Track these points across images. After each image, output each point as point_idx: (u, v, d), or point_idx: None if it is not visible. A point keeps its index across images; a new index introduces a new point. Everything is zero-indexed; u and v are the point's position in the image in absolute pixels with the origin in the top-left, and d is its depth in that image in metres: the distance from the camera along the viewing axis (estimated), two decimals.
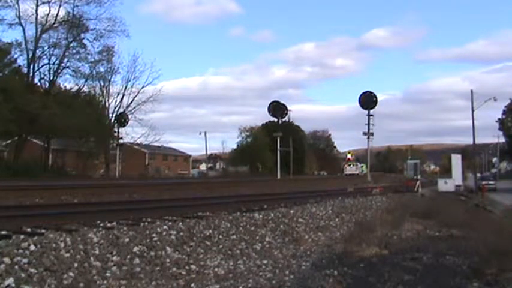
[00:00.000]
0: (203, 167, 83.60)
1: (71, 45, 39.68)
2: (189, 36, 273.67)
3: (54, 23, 38.66)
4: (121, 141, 45.58)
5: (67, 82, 45.74)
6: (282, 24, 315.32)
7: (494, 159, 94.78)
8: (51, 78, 39.94)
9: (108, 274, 5.73)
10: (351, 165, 73.72)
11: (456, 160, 34.36)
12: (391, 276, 6.36)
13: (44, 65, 39.38)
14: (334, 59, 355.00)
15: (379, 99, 46.16)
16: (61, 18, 38.96)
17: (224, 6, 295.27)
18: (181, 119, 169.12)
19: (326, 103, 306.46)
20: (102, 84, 44.72)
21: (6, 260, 5.24)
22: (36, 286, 5.00)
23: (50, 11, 38.24)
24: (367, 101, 44.44)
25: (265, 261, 7.34)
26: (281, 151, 51.19)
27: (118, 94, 46.02)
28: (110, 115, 46.00)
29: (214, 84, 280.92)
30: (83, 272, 5.58)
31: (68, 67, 40.41)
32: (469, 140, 42.51)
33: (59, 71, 39.91)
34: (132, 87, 45.94)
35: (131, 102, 45.78)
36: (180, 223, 8.40)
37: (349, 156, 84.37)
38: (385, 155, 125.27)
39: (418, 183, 27.97)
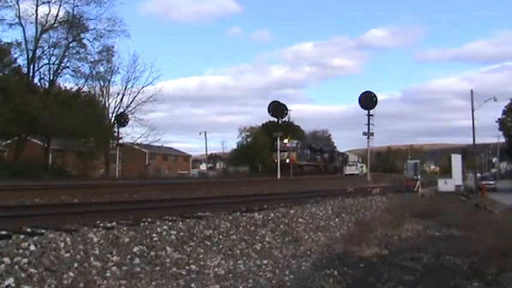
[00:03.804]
0: (203, 167, 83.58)
1: (71, 45, 39.68)
2: (187, 35, 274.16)
3: (54, 23, 38.65)
4: (121, 141, 45.52)
5: (67, 82, 45.72)
6: (280, 23, 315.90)
7: (494, 159, 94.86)
8: (51, 78, 39.94)
9: (108, 274, 5.74)
10: (352, 165, 73.34)
11: (456, 160, 34.36)
12: (391, 276, 6.36)
13: (44, 65, 39.39)
14: (333, 58, 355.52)
15: (378, 99, 46.08)
16: (61, 18, 38.95)
17: (222, 5, 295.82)
18: (181, 119, 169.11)
19: (326, 103, 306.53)
20: (102, 84, 44.67)
21: (6, 260, 5.25)
22: (36, 286, 5.00)
23: (50, 11, 38.26)
24: (367, 101, 44.43)
25: (265, 261, 7.34)
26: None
27: (118, 94, 45.96)
28: (110, 115, 45.98)
29: (213, 84, 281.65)
30: (83, 272, 5.59)
31: (68, 67, 40.41)
32: (469, 140, 42.56)
33: (59, 71, 39.91)
34: (132, 87, 45.90)
35: (131, 102, 45.75)
36: (180, 223, 8.40)
37: (286, 141, 56.29)
38: (385, 155, 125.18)
39: (418, 183, 27.95)
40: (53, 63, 39.46)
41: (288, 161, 51.41)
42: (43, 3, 37.87)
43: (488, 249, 7.37)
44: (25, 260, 5.35)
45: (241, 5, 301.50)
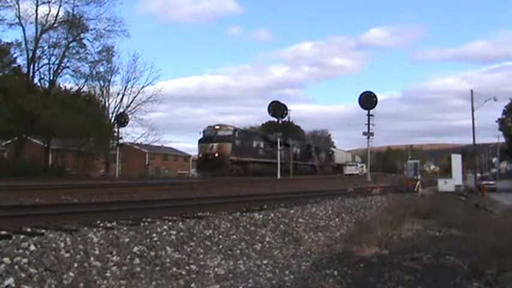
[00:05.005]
0: None
1: (71, 45, 39.68)
2: (186, 35, 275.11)
3: (54, 23, 38.64)
4: (121, 141, 45.53)
5: (67, 82, 45.78)
6: (280, 23, 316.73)
7: (494, 159, 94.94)
8: (51, 78, 39.94)
9: (108, 274, 5.73)
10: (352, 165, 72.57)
11: (456, 160, 34.38)
12: (391, 276, 6.36)
13: (44, 65, 39.39)
14: (332, 58, 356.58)
15: (378, 99, 45.98)
16: (61, 18, 38.93)
17: (222, 5, 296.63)
18: (180, 119, 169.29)
19: (325, 103, 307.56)
20: (102, 84, 44.70)
21: (6, 260, 5.24)
22: (36, 286, 5.00)
23: (50, 11, 38.25)
24: (367, 101, 44.36)
25: (265, 261, 7.35)
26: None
27: (118, 94, 46.01)
28: (110, 115, 46.02)
29: (213, 84, 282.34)
30: (83, 272, 5.58)
31: (68, 67, 40.42)
32: (469, 140, 42.69)
33: (59, 71, 39.92)
34: (132, 87, 45.92)
35: (131, 102, 45.79)
36: (180, 223, 8.40)
37: (217, 127, 41.89)
38: (385, 155, 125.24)
39: (418, 183, 27.93)
40: (53, 63, 39.51)
41: (217, 155, 37.21)
42: (43, 3, 37.90)
43: (488, 249, 7.38)
44: (25, 260, 5.34)
45: (241, 5, 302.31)
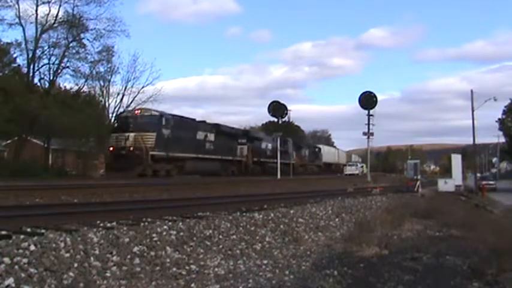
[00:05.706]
0: None
1: (71, 45, 39.59)
2: (186, 35, 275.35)
3: (54, 23, 38.55)
4: None
5: (67, 82, 45.68)
6: (280, 23, 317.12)
7: (494, 159, 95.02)
8: (51, 78, 39.84)
9: (108, 274, 5.73)
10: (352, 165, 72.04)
11: (456, 160, 34.42)
12: (391, 276, 6.36)
13: (44, 65, 39.26)
14: (332, 58, 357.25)
15: (378, 99, 46.02)
16: (61, 18, 38.83)
17: (222, 5, 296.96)
18: None
19: (325, 103, 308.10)
20: (102, 84, 44.58)
21: (6, 260, 5.24)
22: (36, 286, 5.00)
23: (50, 11, 38.11)
24: (367, 101, 44.46)
25: (265, 261, 7.34)
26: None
27: (118, 94, 45.88)
28: (110, 115, 45.97)
29: (212, 84, 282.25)
30: (83, 272, 5.58)
31: (68, 67, 40.28)
32: (469, 140, 42.74)
33: (59, 71, 39.80)
34: (132, 87, 45.78)
35: (131, 102, 45.65)
36: (180, 223, 8.40)
37: (137, 112, 31.33)
38: (385, 155, 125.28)
39: (418, 183, 27.94)
40: (53, 63, 39.38)
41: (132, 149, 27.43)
42: (43, 3, 37.77)
43: (488, 249, 7.39)
44: (25, 260, 5.34)
45: (241, 5, 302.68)
